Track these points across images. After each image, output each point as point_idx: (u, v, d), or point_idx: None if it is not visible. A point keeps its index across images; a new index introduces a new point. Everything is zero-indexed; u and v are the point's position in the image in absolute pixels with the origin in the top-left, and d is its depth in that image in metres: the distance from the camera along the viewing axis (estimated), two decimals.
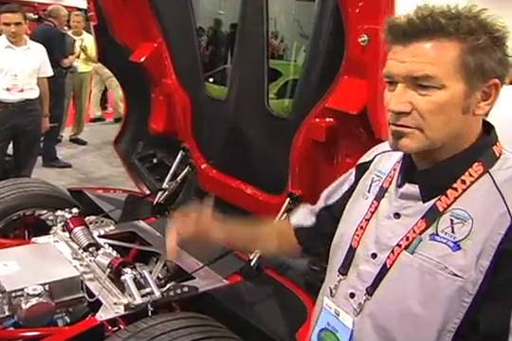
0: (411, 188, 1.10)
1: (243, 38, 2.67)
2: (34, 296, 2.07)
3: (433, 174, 1.08)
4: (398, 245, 1.09)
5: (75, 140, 7.12)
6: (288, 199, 2.48)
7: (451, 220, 1.03)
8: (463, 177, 1.04)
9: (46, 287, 2.13)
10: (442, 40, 0.98)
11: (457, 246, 1.01)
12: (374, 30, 1.63)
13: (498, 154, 1.07)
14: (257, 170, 2.83)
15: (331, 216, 1.40)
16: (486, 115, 1.07)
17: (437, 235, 1.04)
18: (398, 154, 1.19)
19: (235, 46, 2.76)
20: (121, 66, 3.35)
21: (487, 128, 1.10)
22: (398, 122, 1.02)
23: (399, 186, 1.14)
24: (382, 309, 1.12)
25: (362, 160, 1.35)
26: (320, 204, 1.46)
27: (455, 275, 1.00)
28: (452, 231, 1.02)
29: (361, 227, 1.20)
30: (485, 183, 1.03)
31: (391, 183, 1.18)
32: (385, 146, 1.26)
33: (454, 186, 1.05)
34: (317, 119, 2.23)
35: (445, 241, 1.03)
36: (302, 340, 2.04)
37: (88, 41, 6.64)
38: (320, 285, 2.51)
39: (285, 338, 2.06)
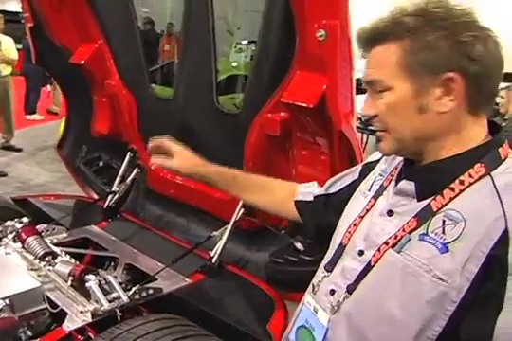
0: (408, 185, 1.08)
1: (188, 35, 2.65)
2: None
3: (431, 172, 1.06)
4: (386, 243, 1.07)
5: (7, 147, 6.84)
6: None
7: (443, 220, 1.00)
8: (462, 177, 1.00)
9: (7, 301, 2.05)
10: (390, 43, 1.01)
11: (445, 248, 0.97)
12: (332, 25, 1.67)
13: (503, 157, 1.02)
14: None
15: (327, 205, 1.42)
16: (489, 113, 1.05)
17: (427, 235, 1.01)
18: None
19: (181, 44, 2.74)
20: (61, 69, 3.24)
21: (495, 129, 1.07)
22: (371, 127, 1.07)
23: (397, 182, 1.13)
24: (359, 308, 1.09)
25: (369, 159, 1.36)
26: (321, 190, 1.48)
27: (439, 278, 0.96)
28: (443, 232, 0.98)
29: (354, 225, 1.19)
30: (485, 185, 0.99)
31: (391, 181, 1.17)
32: None
33: (452, 186, 1.01)
34: (270, 114, 2.25)
35: (433, 241, 0.99)
36: (274, 332, 2.07)
37: (5, 43, 6.43)
38: (282, 277, 2.56)
39: (257, 330, 2.09)
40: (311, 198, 1.49)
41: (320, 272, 1.23)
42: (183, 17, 2.62)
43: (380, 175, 1.23)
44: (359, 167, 1.39)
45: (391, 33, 1.00)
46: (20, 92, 8.49)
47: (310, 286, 1.27)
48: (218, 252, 2.48)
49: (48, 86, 9.58)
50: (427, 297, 0.97)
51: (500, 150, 1.02)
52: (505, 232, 0.92)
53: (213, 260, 2.47)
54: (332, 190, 1.45)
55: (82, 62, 3.01)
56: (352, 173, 1.41)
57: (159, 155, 1.59)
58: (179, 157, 1.57)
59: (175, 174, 1.60)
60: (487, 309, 0.92)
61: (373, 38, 1.03)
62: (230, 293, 2.39)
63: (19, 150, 6.85)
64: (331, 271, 1.20)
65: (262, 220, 2.56)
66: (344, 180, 1.42)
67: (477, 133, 1.04)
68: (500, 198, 0.95)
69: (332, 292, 1.16)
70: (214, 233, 2.49)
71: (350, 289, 1.11)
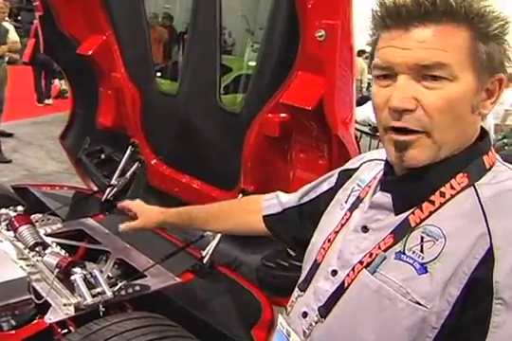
0: (384, 198, 0.96)
1: (195, 32, 2.62)
2: None
3: (408, 183, 0.94)
4: (360, 262, 0.96)
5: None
6: (241, 195, 2.46)
7: (422, 237, 0.88)
8: (442, 189, 0.89)
9: None
10: (452, 24, 0.84)
11: (423, 269, 0.86)
12: (332, 25, 1.62)
13: (488, 166, 0.91)
14: (208, 166, 2.80)
15: (302, 216, 1.32)
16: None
17: (403, 253, 0.89)
18: None
19: (187, 40, 2.71)
20: (68, 59, 3.24)
21: (480, 134, 0.94)
22: (398, 124, 0.87)
23: (374, 194, 1.01)
24: (331, 334, 0.99)
25: (346, 167, 1.23)
26: (293, 200, 1.36)
27: (417, 303, 0.85)
28: (421, 250, 0.87)
29: (329, 240, 1.08)
30: (468, 197, 0.88)
31: (367, 193, 1.05)
32: (374, 154, 1.17)
33: (431, 198, 0.90)
34: (270, 115, 2.22)
35: (411, 261, 0.88)
36: (258, 337, 2.04)
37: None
38: (272, 281, 2.53)
39: (241, 335, 2.05)
40: (279, 209, 1.39)
41: (295, 291, 1.13)
42: (191, 13, 2.59)
43: (358, 185, 1.11)
44: (335, 174, 1.25)
45: (458, 13, 0.83)
46: (28, 81, 8.55)
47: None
48: (210, 252, 2.45)
49: (56, 80, 9.62)
50: (404, 324, 0.86)
51: (484, 158, 0.91)
52: (490, 250, 0.81)
53: (205, 261, 2.44)
54: (305, 199, 1.32)
55: (90, 53, 3.00)
56: (327, 180, 1.27)
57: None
58: (141, 217, 1.71)
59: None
60: (471, 336, 0.82)
61: (429, 11, 0.83)
62: (218, 294, 2.35)
63: (10, 135, 6.79)
64: (304, 290, 1.09)
65: None
66: (319, 188, 1.29)
67: (470, 137, 0.93)
68: (484, 212, 0.85)
69: (304, 314, 1.05)
70: (207, 233, 2.46)
71: (322, 312, 1.00)
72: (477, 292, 0.81)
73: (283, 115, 2.16)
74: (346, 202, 1.11)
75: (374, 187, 1.04)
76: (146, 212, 1.72)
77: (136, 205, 1.79)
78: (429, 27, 0.84)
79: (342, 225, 1.07)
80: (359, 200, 1.07)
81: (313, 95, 1.85)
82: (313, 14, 1.69)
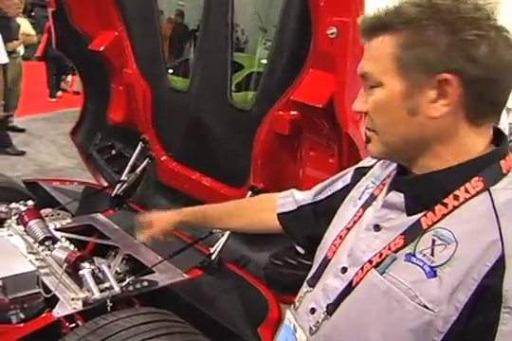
0: (397, 197, 0.96)
1: (207, 29, 2.62)
2: None
3: (422, 184, 0.94)
4: (369, 262, 0.96)
5: (11, 128, 6.73)
6: (250, 192, 2.46)
7: (433, 240, 0.88)
8: (456, 192, 0.88)
9: (0, 282, 2.05)
10: (385, 35, 0.90)
11: (433, 272, 0.85)
12: (344, 23, 1.61)
13: (505, 171, 0.90)
14: (218, 163, 2.80)
15: (316, 213, 1.31)
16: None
17: (414, 256, 0.89)
18: None
19: (199, 37, 2.71)
20: (80, 55, 3.25)
21: (499, 138, 0.94)
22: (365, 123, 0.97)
23: (388, 192, 1.01)
24: (338, 332, 0.99)
25: (361, 164, 1.24)
26: (308, 197, 1.36)
27: (425, 306, 0.85)
28: (432, 254, 0.87)
29: (340, 237, 1.08)
30: (482, 202, 0.87)
31: (381, 191, 1.05)
32: None
33: (445, 201, 0.89)
34: (280, 112, 2.21)
35: (421, 264, 0.87)
36: (264, 335, 2.03)
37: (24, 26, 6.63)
38: (280, 279, 2.52)
39: (247, 333, 2.05)
40: (294, 207, 1.39)
41: (303, 286, 1.13)
42: (203, 9, 2.59)
43: (372, 182, 1.11)
44: (351, 171, 1.26)
45: (389, 24, 0.89)
46: (41, 77, 8.60)
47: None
48: (218, 249, 2.45)
49: (69, 76, 9.67)
50: (410, 325, 0.86)
51: (502, 162, 0.90)
52: (501, 258, 0.80)
53: (213, 257, 2.44)
54: (320, 197, 1.32)
55: (102, 48, 3.01)
56: (342, 178, 1.28)
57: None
58: (157, 222, 1.66)
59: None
60: None
61: (371, 28, 0.93)
62: (226, 291, 2.35)
63: (22, 130, 6.82)
64: (313, 286, 1.09)
65: None
66: (334, 186, 1.29)
67: (477, 143, 0.91)
68: (498, 218, 0.83)
69: (312, 311, 1.06)
70: (216, 230, 2.46)
71: (330, 310, 1.01)
72: (485, 299, 0.81)
73: (293, 112, 2.15)
74: (360, 198, 1.11)
75: (387, 185, 1.04)
76: (161, 217, 1.68)
77: (149, 215, 1.73)
78: (372, 40, 0.93)
79: (355, 222, 1.07)
80: (373, 197, 1.07)
81: (324, 92, 1.84)
82: (325, 11, 1.68)
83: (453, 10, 0.85)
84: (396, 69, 0.89)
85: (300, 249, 2.36)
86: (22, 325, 2.03)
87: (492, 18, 0.87)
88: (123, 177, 3.13)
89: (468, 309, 0.81)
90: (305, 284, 1.13)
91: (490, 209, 0.85)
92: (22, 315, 2.18)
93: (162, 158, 3.08)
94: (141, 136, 3.14)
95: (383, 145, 0.95)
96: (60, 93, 9.28)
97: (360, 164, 1.25)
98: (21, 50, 6.64)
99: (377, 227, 0.99)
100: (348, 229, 1.07)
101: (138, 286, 2.15)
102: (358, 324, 0.95)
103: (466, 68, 0.85)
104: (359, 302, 0.96)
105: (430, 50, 0.86)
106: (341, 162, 2.13)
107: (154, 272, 2.34)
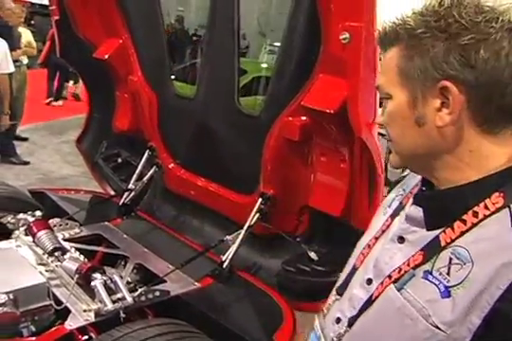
0: (417, 212, 0.94)
1: (213, 34, 2.60)
2: None
3: (440, 199, 0.92)
4: (389, 277, 0.94)
5: (16, 137, 6.73)
6: (260, 199, 2.44)
7: (450, 259, 0.85)
8: (476, 209, 0.84)
9: (11, 295, 2.02)
10: (392, 48, 0.91)
11: (447, 292, 0.83)
12: (356, 28, 1.60)
13: None
14: (227, 170, 2.78)
15: None
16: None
17: (431, 273, 0.86)
18: None
19: (204, 43, 2.70)
20: (84, 63, 3.23)
21: None
22: None
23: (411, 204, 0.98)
24: None
25: (404, 173, 1.21)
26: None
27: (437, 327, 0.83)
28: (448, 273, 0.84)
29: (369, 246, 1.07)
30: (501, 220, 0.82)
31: (409, 199, 1.02)
32: None
33: (464, 217, 0.85)
34: (290, 118, 2.19)
35: (437, 282, 0.85)
36: None
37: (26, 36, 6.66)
38: (293, 286, 2.49)
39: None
40: None
41: (332, 294, 1.13)
42: (208, 15, 2.57)
43: (403, 190, 1.09)
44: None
45: (395, 36, 0.90)
46: (42, 84, 8.59)
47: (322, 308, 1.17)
48: (230, 257, 2.42)
49: (71, 82, 9.67)
50: None
51: None
52: None
53: (224, 265, 2.41)
54: None
55: (106, 56, 2.99)
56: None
57: None
58: None
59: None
60: None
61: (383, 41, 0.94)
62: (239, 300, 2.33)
63: (25, 139, 6.79)
64: (341, 295, 1.09)
65: (277, 226, 2.50)
66: None
67: (497, 154, 0.86)
68: None
69: (338, 320, 1.05)
70: (227, 237, 2.44)
71: (351, 321, 1.01)
72: (498, 323, 0.78)
73: (303, 118, 2.13)
74: (389, 206, 1.10)
75: (412, 196, 1.02)
76: None
77: None
78: (385, 53, 0.94)
79: (383, 232, 1.05)
80: (401, 206, 1.05)
81: (335, 98, 1.83)
82: (337, 17, 1.66)
83: (450, 16, 0.83)
84: (400, 80, 0.90)
85: (313, 255, 2.34)
86: (34, 338, 2.01)
87: (502, 20, 0.83)
88: (131, 185, 3.10)
89: (482, 330, 0.79)
90: (334, 292, 1.12)
91: (508, 228, 0.81)
92: (33, 328, 2.15)
93: (170, 166, 3.05)
94: (148, 144, 3.12)
95: (398, 155, 0.97)
96: (61, 102, 9.26)
97: (405, 173, 1.21)
98: (24, 59, 6.64)
99: (402, 239, 0.96)
100: (376, 239, 1.06)
101: (151, 296, 2.12)
102: (374, 338, 0.95)
103: (465, 74, 0.82)
104: (376, 317, 0.95)
105: (428, 58, 0.85)
106: (353, 167, 2.11)
107: (165, 281, 2.32)
